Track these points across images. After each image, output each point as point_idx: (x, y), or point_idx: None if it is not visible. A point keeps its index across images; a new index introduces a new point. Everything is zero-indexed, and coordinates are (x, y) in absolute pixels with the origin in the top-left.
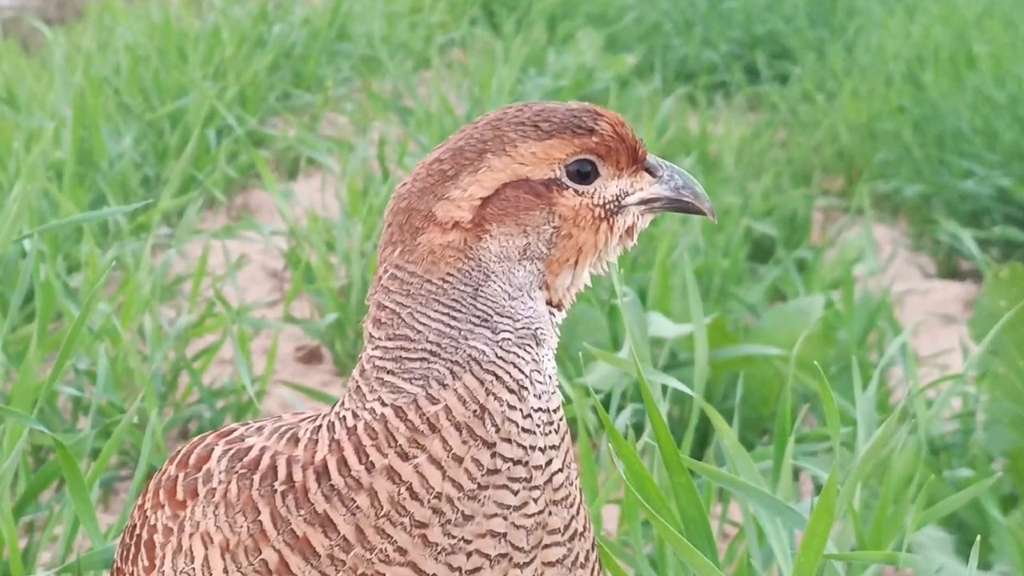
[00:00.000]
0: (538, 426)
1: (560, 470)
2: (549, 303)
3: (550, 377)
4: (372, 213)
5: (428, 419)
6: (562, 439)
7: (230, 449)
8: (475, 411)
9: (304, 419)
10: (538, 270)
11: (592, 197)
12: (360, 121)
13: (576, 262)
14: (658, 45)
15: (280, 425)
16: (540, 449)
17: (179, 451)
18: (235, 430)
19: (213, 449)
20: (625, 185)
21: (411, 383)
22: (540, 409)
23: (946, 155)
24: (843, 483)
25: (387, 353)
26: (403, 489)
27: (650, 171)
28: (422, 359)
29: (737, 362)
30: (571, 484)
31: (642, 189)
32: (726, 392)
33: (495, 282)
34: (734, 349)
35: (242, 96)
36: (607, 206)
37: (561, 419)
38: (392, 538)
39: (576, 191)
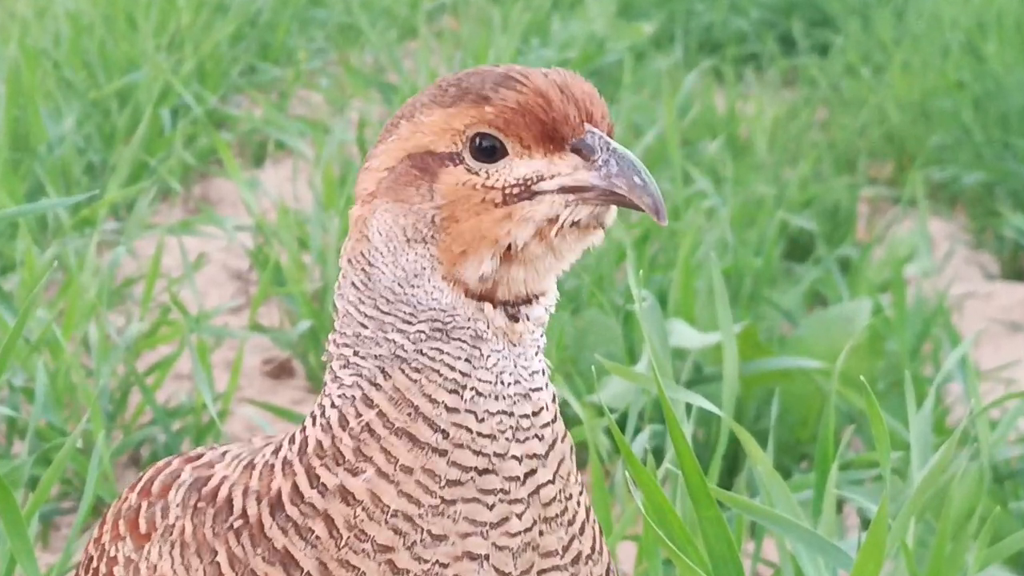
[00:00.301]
0: (502, 431)
1: (550, 482)
2: (485, 297)
3: (514, 378)
4: (351, 205)
5: (367, 425)
6: (550, 447)
7: (192, 478)
8: (410, 414)
9: (269, 442)
10: (430, 255)
11: (488, 177)
12: (337, 99)
13: (471, 253)
14: (679, 11)
15: (243, 450)
16: (515, 458)
17: (141, 477)
18: (203, 455)
19: (179, 475)
20: (541, 167)
21: (356, 380)
22: (503, 412)
23: (1011, 138)
24: (894, 516)
25: (338, 343)
26: (359, 510)
27: (583, 153)
28: (356, 351)
29: (771, 377)
30: (569, 499)
31: (562, 174)
32: (759, 411)
33: (385, 265)
34: (768, 362)
35: (201, 70)
36: (507, 190)
37: (545, 426)
38: (359, 569)
39: (468, 168)
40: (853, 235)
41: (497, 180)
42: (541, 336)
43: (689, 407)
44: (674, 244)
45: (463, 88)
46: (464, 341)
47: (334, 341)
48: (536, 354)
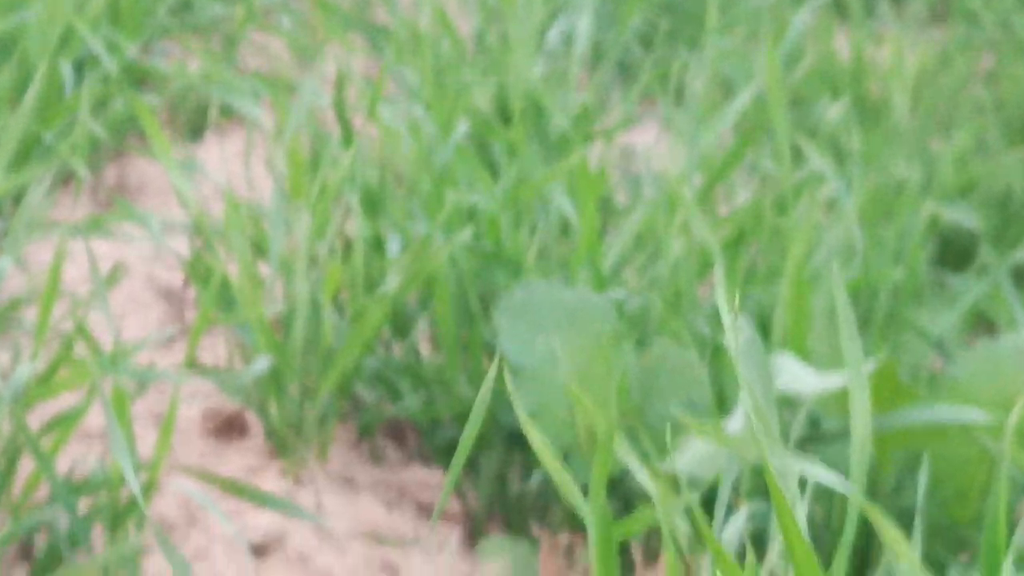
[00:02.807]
0: None
1: None
2: None
3: None
4: (326, 196)
5: None
6: None
7: None
8: None
9: None
10: None
11: None
12: (305, 46)
13: None
14: None
15: None
16: None
17: None
18: None
19: None
20: None
21: None
22: None
23: None
24: None
25: None
26: None
27: None
28: None
29: (918, 434)
30: None
31: None
32: (901, 482)
33: None
34: (914, 413)
35: (115, 7)
36: None
37: None
38: None
39: None
40: None
41: None
42: None
43: (804, 479)
44: (780, 247)
45: None
46: None
47: None
48: None
